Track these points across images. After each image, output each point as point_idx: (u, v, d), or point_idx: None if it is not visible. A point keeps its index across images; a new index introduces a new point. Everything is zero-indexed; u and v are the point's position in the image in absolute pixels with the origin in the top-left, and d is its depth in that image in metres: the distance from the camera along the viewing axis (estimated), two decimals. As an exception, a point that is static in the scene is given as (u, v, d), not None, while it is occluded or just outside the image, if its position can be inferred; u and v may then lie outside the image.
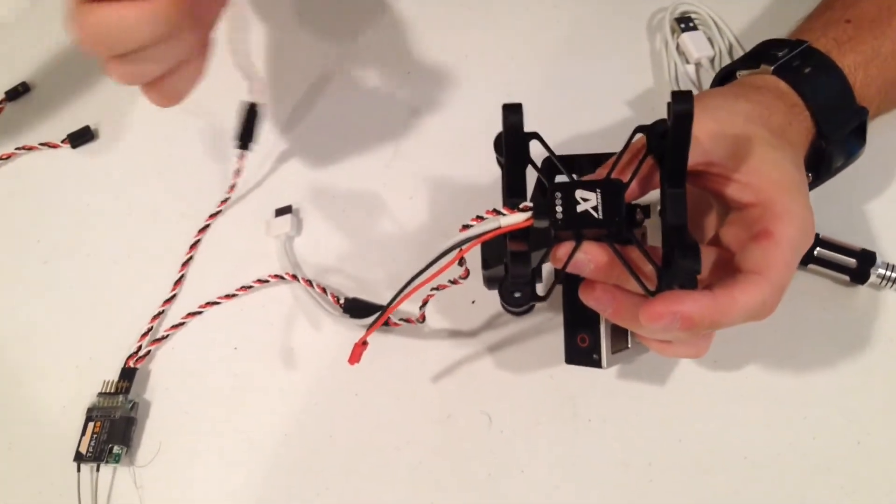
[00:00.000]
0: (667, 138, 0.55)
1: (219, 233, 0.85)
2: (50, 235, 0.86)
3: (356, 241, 0.83)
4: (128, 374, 0.78)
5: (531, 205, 0.56)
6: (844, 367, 0.73)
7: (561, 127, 0.85)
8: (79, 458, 0.74)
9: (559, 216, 0.55)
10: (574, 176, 0.59)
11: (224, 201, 0.86)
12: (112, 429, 0.74)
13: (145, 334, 0.79)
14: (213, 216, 0.85)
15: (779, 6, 0.91)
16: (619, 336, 0.66)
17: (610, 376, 0.74)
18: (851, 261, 0.74)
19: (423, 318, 0.72)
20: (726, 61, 0.87)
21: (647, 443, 0.72)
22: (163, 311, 0.81)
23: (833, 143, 0.68)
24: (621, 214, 0.55)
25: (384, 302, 0.74)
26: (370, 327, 0.64)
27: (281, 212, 0.84)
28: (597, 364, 0.64)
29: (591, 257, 0.56)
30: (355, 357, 0.65)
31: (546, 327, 0.76)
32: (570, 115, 0.87)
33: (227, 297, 0.81)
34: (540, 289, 0.61)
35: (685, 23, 0.89)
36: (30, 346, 0.81)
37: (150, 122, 0.92)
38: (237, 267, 0.83)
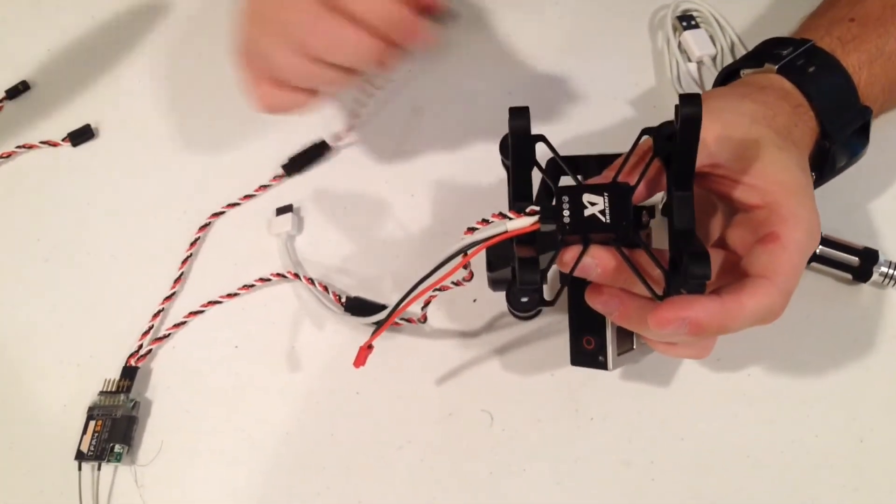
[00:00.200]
0: (673, 141, 0.55)
1: (220, 231, 0.85)
2: (50, 234, 0.86)
3: (358, 240, 0.83)
4: (129, 373, 0.78)
5: (538, 209, 0.56)
6: (847, 366, 0.73)
7: (562, 125, 0.85)
8: (80, 456, 0.74)
9: (567, 220, 0.55)
10: (580, 177, 0.59)
11: (230, 205, 0.86)
12: (113, 428, 0.74)
13: (146, 333, 0.79)
14: (215, 215, 0.85)
15: (780, 4, 0.91)
16: (625, 337, 0.66)
17: (612, 375, 0.74)
18: (854, 259, 0.74)
19: (424, 319, 0.72)
20: (728, 59, 0.87)
21: (649, 441, 0.72)
22: (163, 309, 0.81)
23: (837, 142, 0.67)
24: (629, 218, 0.55)
25: (386, 300, 0.75)
26: (375, 332, 0.64)
27: (282, 210, 0.84)
28: (603, 366, 0.64)
29: (598, 261, 0.56)
30: (360, 360, 0.65)
31: (547, 326, 0.76)
32: (571, 113, 0.87)
33: (229, 295, 0.80)
34: (546, 293, 0.61)
35: (687, 21, 0.89)
36: (31, 344, 0.81)
37: (151, 121, 0.92)
38: (239, 265, 0.82)
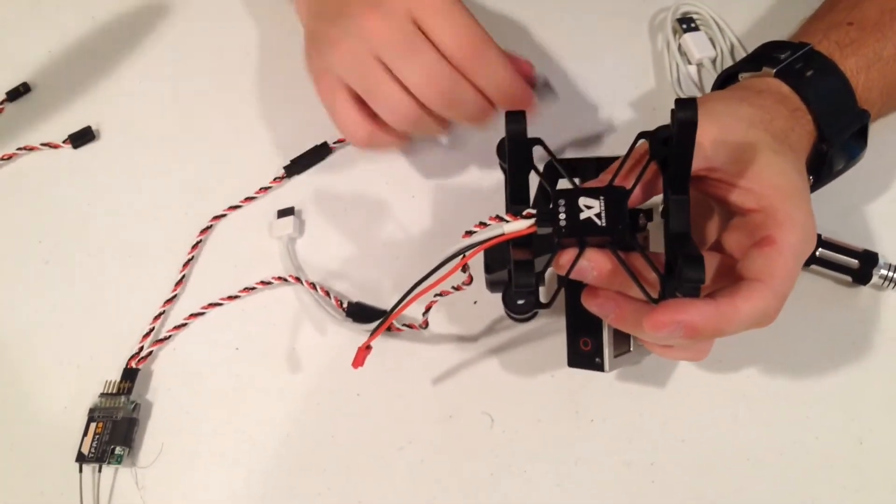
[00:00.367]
0: (670, 144, 0.55)
1: (221, 233, 0.85)
2: (51, 235, 0.86)
3: (358, 242, 0.83)
4: (130, 375, 0.78)
5: (534, 212, 0.56)
6: (846, 368, 0.73)
7: (562, 127, 0.85)
8: (81, 458, 0.74)
9: (562, 224, 0.55)
10: (577, 180, 0.59)
11: (232, 207, 0.86)
12: (114, 429, 0.74)
13: (147, 335, 0.79)
14: (217, 218, 0.85)
15: (780, 6, 0.91)
16: (621, 339, 0.66)
17: (612, 376, 0.74)
18: (854, 262, 0.74)
19: (426, 325, 0.72)
20: (728, 62, 0.86)
21: (650, 443, 0.72)
22: (164, 311, 0.81)
23: (834, 146, 0.67)
24: (625, 222, 0.55)
25: (387, 304, 0.75)
26: (373, 333, 0.64)
27: (283, 213, 0.84)
28: (599, 368, 0.65)
29: (594, 264, 0.56)
30: (359, 361, 0.65)
31: (546, 328, 0.76)
32: (570, 115, 0.87)
33: (230, 298, 0.80)
34: (543, 295, 0.61)
35: (687, 23, 0.89)
36: (31, 346, 0.81)
37: (152, 123, 0.92)
38: (239, 267, 0.82)
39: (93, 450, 0.74)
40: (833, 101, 0.67)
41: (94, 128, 0.91)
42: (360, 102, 0.73)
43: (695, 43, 0.88)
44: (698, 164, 0.57)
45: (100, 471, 0.74)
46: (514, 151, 0.58)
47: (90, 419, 0.75)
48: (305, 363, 0.78)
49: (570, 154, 0.82)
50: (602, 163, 0.64)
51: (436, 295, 0.65)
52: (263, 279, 0.81)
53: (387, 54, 0.69)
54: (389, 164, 0.86)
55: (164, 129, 0.92)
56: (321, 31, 0.74)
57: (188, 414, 0.77)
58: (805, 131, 0.66)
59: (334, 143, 0.87)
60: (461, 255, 0.58)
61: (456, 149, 0.86)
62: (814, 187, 0.70)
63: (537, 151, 0.60)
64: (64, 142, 0.91)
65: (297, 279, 0.80)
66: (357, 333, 0.78)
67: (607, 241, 0.56)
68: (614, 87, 0.88)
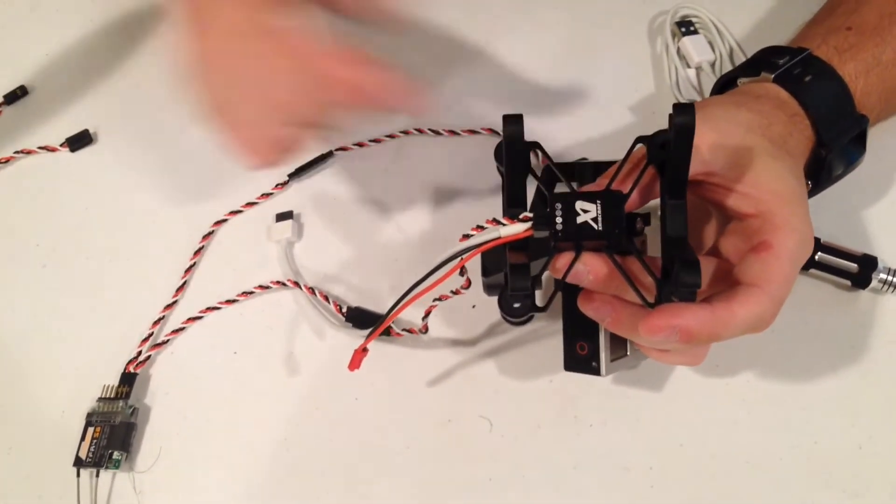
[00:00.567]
0: (667, 149, 0.55)
1: (220, 237, 0.85)
2: (49, 239, 0.86)
3: (357, 245, 0.83)
4: (128, 379, 0.78)
5: (531, 215, 0.56)
6: (846, 372, 0.73)
7: (561, 130, 0.85)
8: (78, 463, 0.74)
9: (559, 227, 0.55)
10: (574, 185, 0.59)
11: (233, 212, 0.86)
12: (112, 434, 0.74)
13: (146, 339, 0.79)
14: (218, 223, 0.85)
15: (780, 10, 0.91)
16: (618, 343, 0.66)
17: (610, 380, 0.74)
18: (853, 266, 0.74)
19: (425, 329, 0.72)
20: (727, 65, 0.86)
21: (648, 447, 0.72)
22: (164, 316, 0.80)
23: (833, 151, 0.67)
24: (621, 226, 0.55)
25: (386, 308, 0.74)
26: (370, 335, 0.64)
27: (282, 217, 0.84)
28: (596, 372, 0.64)
29: (590, 268, 0.56)
30: (355, 363, 0.65)
31: (546, 332, 0.76)
32: (570, 118, 0.87)
33: (228, 302, 0.80)
34: (539, 298, 0.61)
35: (686, 26, 0.89)
36: (29, 350, 0.81)
37: (150, 127, 0.92)
38: (238, 272, 0.82)
39: (90, 454, 0.74)
40: (831, 106, 0.67)
41: (91, 131, 0.92)
42: None
43: (694, 46, 0.87)
44: (696, 168, 0.57)
45: (97, 475, 0.74)
46: (512, 155, 0.58)
47: (88, 423, 0.75)
48: (304, 367, 0.78)
49: (568, 157, 0.81)
50: (600, 167, 0.64)
51: (435, 300, 0.65)
52: (262, 283, 0.81)
53: None
54: (387, 168, 0.86)
55: (163, 132, 0.91)
56: None
57: (186, 418, 0.76)
58: (803, 136, 0.65)
59: (336, 149, 0.87)
60: (458, 259, 0.58)
61: (454, 153, 0.86)
62: (812, 192, 0.70)
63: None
64: (61, 145, 0.91)
65: (296, 283, 0.80)
66: (356, 338, 0.78)
67: (604, 246, 0.56)
68: (613, 90, 0.88)
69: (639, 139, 0.58)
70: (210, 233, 0.84)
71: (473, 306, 0.78)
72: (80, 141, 0.91)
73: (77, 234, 0.86)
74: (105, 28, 0.99)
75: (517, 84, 0.90)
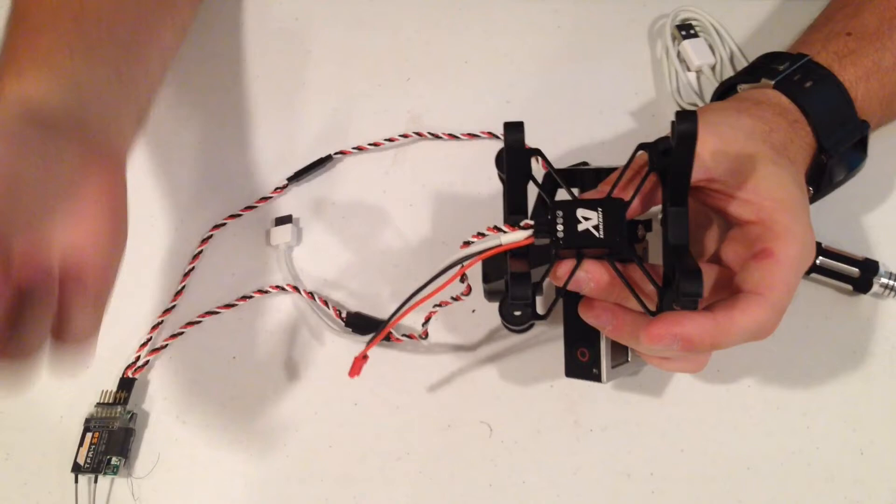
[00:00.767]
0: (669, 156, 0.55)
1: (219, 242, 0.84)
2: (48, 243, 0.86)
3: (356, 249, 0.83)
4: (126, 385, 0.77)
5: (532, 223, 0.56)
6: (847, 377, 0.73)
7: (561, 133, 0.85)
8: (76, 469, 0.73)
9: (560, 235, 0.55)
10: (576, 191, 0.59)
11: (232, 216, 0.85)
12: (110, 440, 0.74)
13: (144, 344, 0.79)
14: (216, 227, 0.85)
15: (780, 13, 0.91)
16: (619, 350, 0.66)
17: (611, 386, 0.74)
18: (854, 270, 0.74)
19: (426, 335, 0.72)
20: (727, 69, 0.86)
21: (649, 452, 0.72)
22: (162, 321, 0.80)
23: (834, 157, 0.67)
24: (622, 234, 0.55)
25: (385, 314, 0.74)
26: (370, 342, 0.64)
27: (281, 221, 0.84)
28: (597, 378, 0.64)
29: (591, 276, 0.56)
30: (355, 370, 0.65)
31: (546, 337, 0.76)
32: (570, 121, 0.86)
33: (227, 306, 0.80)
34: (540, 305, 0.61)
35: (686, 30, 0.89)
36: (27, 354, 0.80)
37: (149, 130, 0.91)
38: (237, 276, 0.82)
39: (89, 460, 0.73)
40: (832, 112, 0.67)
41: (89, 135, 0.91)
42: None
43: (694, 50, 0.87)
44: (697, 174, 0.57)
45: (96, 481, 0.74)
46: (513, 162, 0.58)
47: (86, 429, 0.75)
48: (303, 372, 0.77)
49: (568, 161, 0.81)
50: (601, 173, 0.64)
51: (435, 305, 0.65)
52: (261, 288, 0.81)
53: None
54: (387, 171, 0.86)
55: (162, 136, 0.91)
56: None
57: (185, 424, 0.76)
58: (804, 143, 0.65)
59: (335, 153, 0.87)
60: (458, 266, 0.58)
61: (453, 157, 0.87)
62: (814, 199, 0.70)
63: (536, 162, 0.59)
64: (60, 149, 0.90)
65: (295, 288, 0.80)
66: (356, 344, 0.77)
67: (605, 253, 0.56)
68: (613, 93, 0.88)
69: (640, 146, 0.58)
70: (209, 237, 0.84)
71: (473, 311, 0.78)
72: (78, 145, 0.90)
73: (75, 237, 0.86)
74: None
75: (517, 87, 0.90)
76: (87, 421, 0.76)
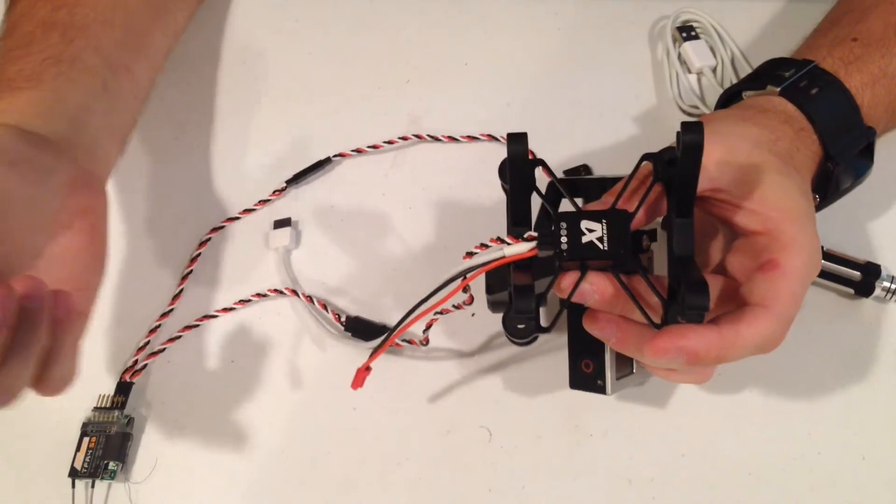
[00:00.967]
0: (674, 166, 0.54)
1: (217, 245, 0.84)
2: (45, 245, 0.85)
3: (355, 253, 0.82)
4: (124, 389, 0.77)
5: (535, 234, 0.56)
6: (849, 381, 0.73)
7: (560, 136, 0.85)
8: (73, 473, 0.73)
9: (564, 247, 0.55)
10: (580, 201, 0.59)
11: (230, 219, 0.85)
12: (107, 444, 0.74)
13: (142, 348, 0.79)
14: (215, 230, 0.84)
15: (781, 15, 0.90)
16: (624, 361, 0.65)
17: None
18: (856, 274, 0.74)
19: (426, 342, 0.72)
20: (728, 70, 0.86)
21: (650, 458, 0.71)
22: (160, 324, 0.80)
23: (841, 164, 0.67)
24: (627, 246, 0.55)
25: (385, 316, 0.74)
26: (373, 354, 0.63)
27: (280, 224, 0.83)
28: (601, 390, 0.64)
29: (596, 288, 0.56)
30: (358, 382, 0.64)
31: (546, 343, 0.76)
32: (569, 123, 0.86)
33: (225, 310, 0.80)
34: (544, 318, 0.61)
35: (687, 32, 0.88)
36: (25, 358, 0.80)
37: (148, 133, 0.91)
38: (235, 280, 0.82)
39: (86, 465, 0.73)
40: (839, 119, 0.67)
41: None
42: None
43: (695, 51, 0.87)
44: (703, 184, 0.57)
45: (93, 486, 0.73)
46: (516, 173, 0.57)
47: (83, 433, 0.75)
48: (302, 377, 0.77)
49: (568, 165, 0.81)
50: (606, 183, 0.63)
51: (436, 313, 0.64)
52: (259, 291, 0.80)
53: None
54: (386, 174, 0.86)
55: (161, 139, 0.91)
56: None
57: (183, 428, 0.76)
58: (810, 151, 0.65)
59: (335, 155, 0.87)
60: (462, 277, 0.57)
61: (453, 160, 0.86)
62: (820, 206, 0.70)
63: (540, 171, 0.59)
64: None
65: (294, 292, 0.79)
66: (355, 348, 0.77)
67: (609, 265, 0.56)
68: (614, 96, 0.88)
69: (645, 156, 0.58)
70: (207, 240, 0.84)
71: (473, 315, 0.77)
72: (76, 147, 0.90)
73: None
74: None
75: (517, 90, 0.90)
76: (84, 425, 0.75)
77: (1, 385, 0.54)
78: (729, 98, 0.75)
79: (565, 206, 0.60)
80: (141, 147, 0.91)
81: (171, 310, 0.80)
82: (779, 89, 0.68)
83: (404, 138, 0.87)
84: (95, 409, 0.76)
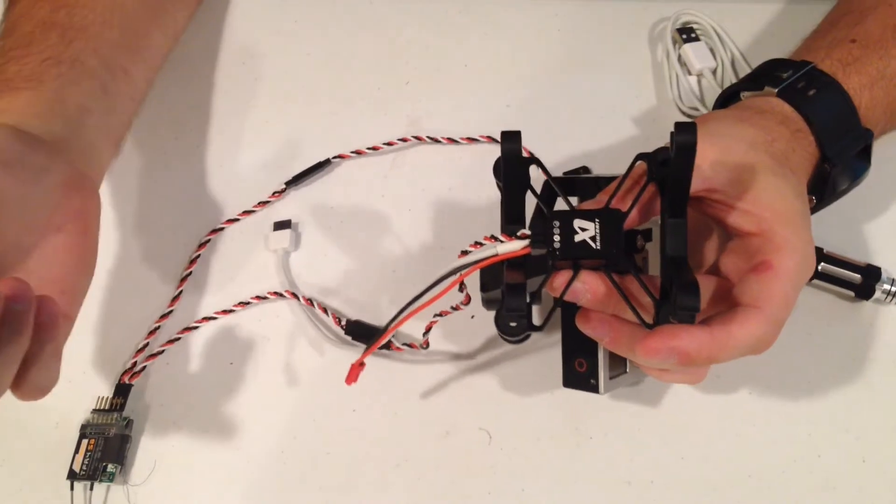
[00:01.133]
0: (668, 167, 0.54)
1: (216, 247, 0.84)
2: (45, 247, 0.85)
3: (355, 255, 0.82)
4: (122, 391, 0.77)
5: (529, 232, 0.56)
6: (849, 384, 0.73)
7: (561, 137, 0.84)
8: (72, 476, 0.73)
9: (557, 246, 0.55)
10: (575, 200, 0.59)
11: (229, 220, 0.85)
12: (106, 446, 0.74)
13: (141, 350, 0.79)
14: (214, 231, 0.84)
15: (781, 16, 0.90)
16: (617, 361, 0.66)
17: (611, 393, 0.73)
18: (856, 276, 0.73)
19: (426, 345, 0.72)
20: (729, 72, 0.86)
21: (649, 460, 0.71)
22: (159, 326, 0.80)
23: (838, 166, 0.67)
24: (619, 245, 0.55)
25: (385, 320, 0.74)
26: (367, 350, 0.64)
27: (279, 225, 0.83)
28: (594, 389, 0.64)
29: (588, 287, 0.56)
30: (352, 377, 0.65)
31: (546, 345, 0.76)
32: (569, 125, 0.86)
33: (224, 312, 0.80)
34: (537, 316, 0.61)
35: (687, 33, 0.88)
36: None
37: (146, 135, 0.91)
38: (234, 281, 0.82)
39: (84, 467, 0.73)
40: (836, 120, 0.67)
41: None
42: None
43: (695, 53, 0.87)
44: (697, 184, 0.57)
45: (91, 489, 0.73)
46: (510, 171, 0.57)
47: (82, 435, 0.75)
48: (301, 379, 0.77)
49: (568, 166, 0.81)
50: (601, 182, 0.64)
51: (435, 315, 0.64)
52: (259, 294, 0.80)
53: None
54: (386, 176, 0.86)
55: (160, 141, 0.91)
56: None
57: (182, 430, 0.76)
58: (807, 153, 0.65)
59: (334, 157, 0.87)
60: (455, 275, 0.57)
61: (453, 161, 0.86)
62: (817, 208, 0.70)
63: (535, 170, 0.59)
64: (58, 153, 0.90)
65: (294, 294, 0.79)
66: (355, 351, 0.77)
67: (602, 264, 0.56)
68: (613, 97, 0.88)
69: (639, 156, 0.58)
70: (206, 242, 0.84)
71: (472, 316, 0.77)
72: (74, 149, 0.90)
73: (72, 242, 0.85)
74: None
75: (516, 91, 0.90)
76: (83, 427, 0.75)
77: None
78: (727, 98, 0.74)
79: (561, 205, 0.60)
80: (140, 148, 0.91)
81: (170, 312, 0.80)
82: (776, 90, 0.68)
83: (404, 140, 0.87)
84: (94, 411, 0.76)
